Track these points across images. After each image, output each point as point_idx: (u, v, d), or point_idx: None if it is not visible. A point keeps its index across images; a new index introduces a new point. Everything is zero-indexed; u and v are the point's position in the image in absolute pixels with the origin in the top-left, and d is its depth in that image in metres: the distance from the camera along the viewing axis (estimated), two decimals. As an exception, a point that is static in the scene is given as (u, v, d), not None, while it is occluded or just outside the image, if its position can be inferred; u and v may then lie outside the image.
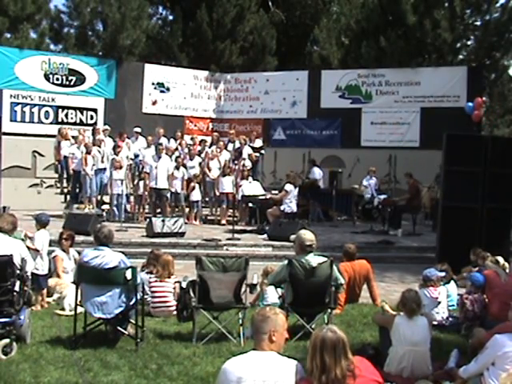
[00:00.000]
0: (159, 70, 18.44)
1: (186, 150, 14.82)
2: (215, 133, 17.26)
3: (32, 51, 16.62)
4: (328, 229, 13.01)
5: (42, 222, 7.52)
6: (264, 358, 3.19)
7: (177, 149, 14.79)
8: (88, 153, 13.53)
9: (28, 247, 6.54)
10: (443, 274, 7.04)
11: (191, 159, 14.31)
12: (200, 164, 14.42)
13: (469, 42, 19.41)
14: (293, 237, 6.31)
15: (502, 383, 3.90)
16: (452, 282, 7.54)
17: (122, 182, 12.87)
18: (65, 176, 14.44)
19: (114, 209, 13.00)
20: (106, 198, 14.02)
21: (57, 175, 14.65)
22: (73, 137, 14.45)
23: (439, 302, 6.65)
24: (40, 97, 16.34)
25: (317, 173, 14.59)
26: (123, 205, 13.01)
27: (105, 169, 13.76)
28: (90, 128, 15.80)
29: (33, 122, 16.21)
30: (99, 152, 13.77)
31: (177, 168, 13.40)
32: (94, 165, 13.58)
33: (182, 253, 10.35)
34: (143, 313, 5.91)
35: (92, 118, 17.09)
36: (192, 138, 16.19)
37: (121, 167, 12.98)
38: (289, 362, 3.21)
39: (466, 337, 6.07)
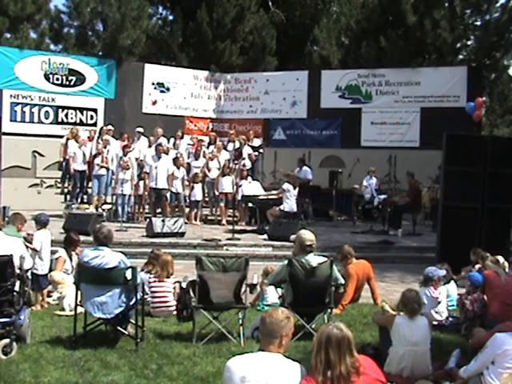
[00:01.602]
0: (159, 69, 18.43)
1: (183, 151, 14.81)
2: (212, 132, 17.26)
3: (32, 51, 16.60)
4: (328, 229, 13.02)
5: (41, 222, 7.52)
6: (270, 360, 3.20)
7: (174, 148, 14.76)
8: (99, 153, 13.57)
9: (27, 246, 6.56)
10: (444, 272, 7.04)
11: (196, 159, 14.31)
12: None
13: (469, 42, 19.38)
14: (293, 237, 6.32)
15: (503, 383, 3.91)
16: (452, 281, 7.54)
17: (128, 182, 12.89)
18: (67, 176, 14.45)
19: (119, 208, 12.98)
20: (108, 198, 14.05)
21: (60, 173, 14.63)
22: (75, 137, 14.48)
23: (439, 302, 6.66)
24: (40, 97, 16.32)
25: (309, 172, 14.48)
26: (126, 205, 13.03)
27: (108, 168, 13.77)
28: (89, 128, 15.85)
29: (33, 122, 16.19)
30: (103, 152, 13.78)
31: (177, 168, 13.42)
32: (99, 164, 13.61)
33: (182, 253, 10.35)
34: (143, 313, 5.90)
35: (92, 118, 17.08)
36: (192, 138, 16.19)
37: (128, 168, 12.98)
38: (293, 365, 3.21)
39: (466, 337, 6.07)
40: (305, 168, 14.47)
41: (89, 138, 14.60)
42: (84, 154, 13.95)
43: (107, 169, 13.72)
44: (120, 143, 14.41)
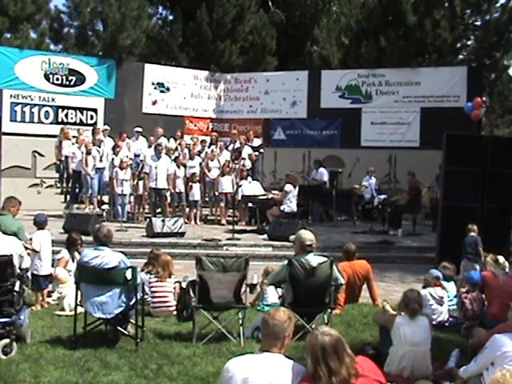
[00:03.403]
0: (159, 69, 18.43)
1: (186, 150, 14.83)
2: (214, 133, 17.27)
3: (32, 51, 16.60)
4: (328, 229, 13.02)
5: (38, 223, 7.50)
6: (271, 361, 3.20)
7: (176, 149, 14.78)
8: (88, 153, 13.54)
9: (26, 247, 6.55)
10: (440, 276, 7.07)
11: (191, 159, 14.32)
12: (200, 164, 14.44)
13: (469, 42, 19.40)
14: (293, 237, 6.30)
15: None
16: (452, 281, 7.54)
17: (126, 181, 12.88)
18: (65, 176, 14.44)
19: (118, 208, 12.96)
20: (106, 198, 14.03)
21: (57, 175, 14.65)
22: (74, 137, 14.44)
23: (443, 303, 6.66)
24: (40, 97, 16.32)
25: (325, 174, 14.53)
26: (125, 205, 13.02)
27: (103, 168, 13.76)
28: (89, 128, 15.83)
29: (33, 122, 16.19)
30: (98, 152, 13.77)
31: (178, 167, 13.42)
32: (94, 165, 13.59)
33: (182, 253, 10.36)
34: (143, 313, 5.91)
35: (92, 117, 17.08)
36: (192, 138, 16.20)
37: (126, 167, 12.99)
38: (295, 366, 3.21)
39: (466, 337, 6.07)
40: (321, 169, 14.56)
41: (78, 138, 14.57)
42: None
43: (98, 168, 13.66)
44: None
